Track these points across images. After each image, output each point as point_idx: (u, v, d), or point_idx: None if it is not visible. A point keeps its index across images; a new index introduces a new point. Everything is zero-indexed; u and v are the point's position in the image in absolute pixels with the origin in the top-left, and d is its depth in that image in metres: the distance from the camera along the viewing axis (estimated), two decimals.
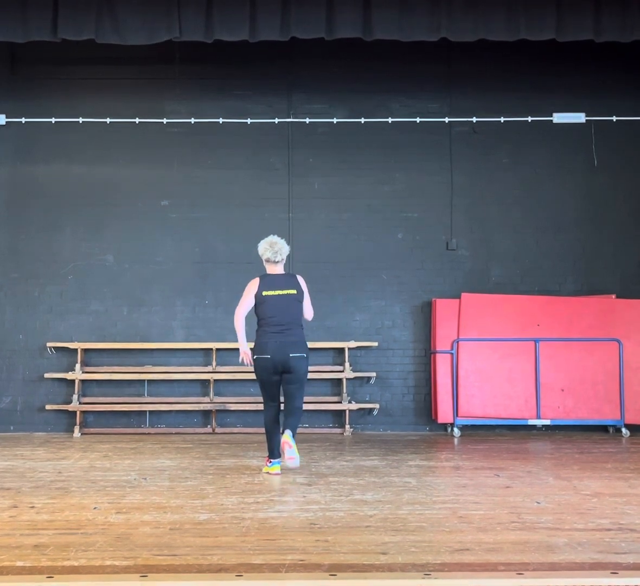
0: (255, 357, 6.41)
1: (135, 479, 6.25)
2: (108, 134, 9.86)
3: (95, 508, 5.14)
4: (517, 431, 9.51)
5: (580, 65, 9.94)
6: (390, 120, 9.90)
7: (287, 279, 6.56)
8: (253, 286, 6.51)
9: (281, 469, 6.38)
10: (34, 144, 9.92)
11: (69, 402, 9.46)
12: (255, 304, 6.48)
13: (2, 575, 3.62)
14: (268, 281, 6.52)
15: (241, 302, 6.52)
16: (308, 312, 6.63)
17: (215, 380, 9.58)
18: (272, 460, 6.43)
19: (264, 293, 6.43)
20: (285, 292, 6.45)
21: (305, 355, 6.40)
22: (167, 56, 9.76)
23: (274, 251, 6.50)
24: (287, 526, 4.68)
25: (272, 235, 6.64)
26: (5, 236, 9.85)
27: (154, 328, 9.81)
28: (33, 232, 9.85)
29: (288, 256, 6.75)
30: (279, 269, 6.60)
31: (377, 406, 9.60)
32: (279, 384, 6.44)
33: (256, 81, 10.02)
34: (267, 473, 6.40)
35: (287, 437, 6.22)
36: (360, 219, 9.94)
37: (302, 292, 6.53)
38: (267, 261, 6.57)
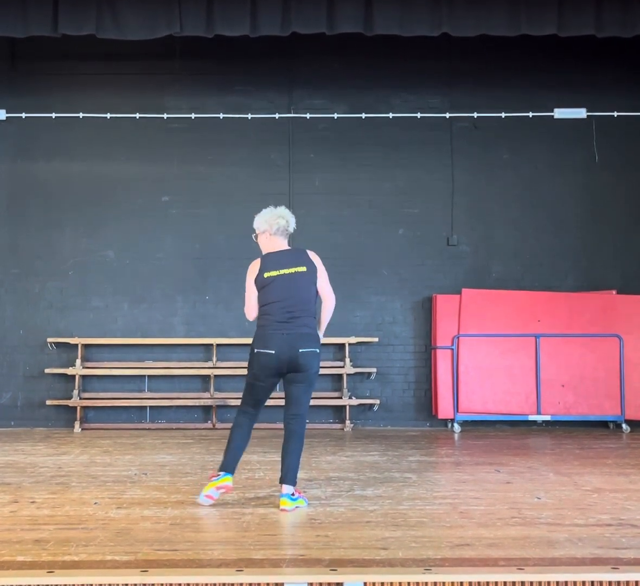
0: (255, 350, 5.15)
1: (135, 474, 6.25)
2: (108, 130, 9.86)
3: (95, 503, 5.15)
4: (518, 426, 9.50)
5: (582, 61, 9.90)
6: (391, 116, 9.90)
7: (294, 255, 5.27)
8: (253, 270, 5.23)
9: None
10: (34, 140, 9.90)
11: (70, 397, 9.46)
12: (257, 290, 5.22)
13: (2, 569, 3.62)
14: (270, 259, 5.23)
15: (247, 299, 5.26)
16: (326, 294, 5.29)
17: (215, 376, 9.58)
18: (220, 473, 5.12)
19: (266, 275, 5.15)
20: (292, 270, 5.17)
21: (317, 350, 5.19)
22: (167, 52, 9.72)
23: (271, 221, 5.27)
24: (287, 521, 4.68)
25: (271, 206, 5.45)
26: (5, 232, 9.84)
27: (154, 324, 9.81)
28: (33, 228, 9.84)
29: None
30: (281, 245, 5.31)
31: (377, 401, 9.60)
32: (272, 388, 5.24)
33: (257, 77, 10.00)
34: (215, 488, 5.07)
35: (286, 503, 4.92)
36: (360, 215, 9.93)
37: (315, 269, 5.25)
38: (264, 233, 5.30)
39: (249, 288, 5.24)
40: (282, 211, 5.35)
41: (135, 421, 9.59)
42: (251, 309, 5.26)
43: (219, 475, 5.10)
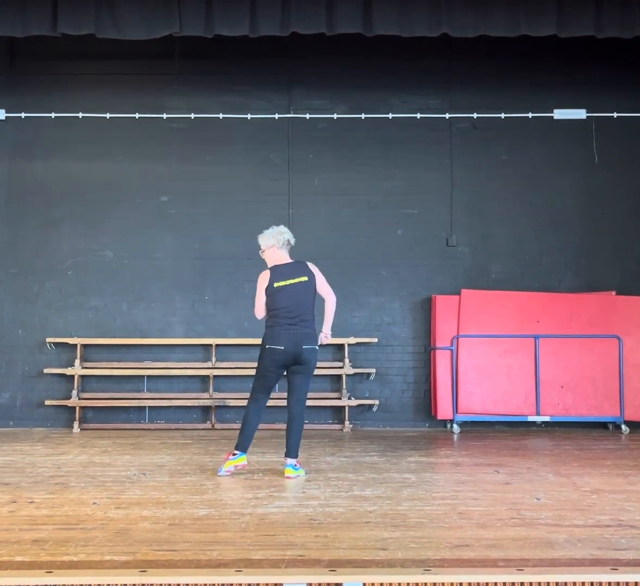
0: (266, 346, 6.13)
1: (134, 474, 6.25)
2: (108, 130, 9.86)
3: (94, 503, 5.14)
4: (517, 427, 9.50)
5: (581, 62, 9.91)
6: (390, 116, 9.90)
7: (297, 267, 6.27)
8: (264, 279, 6.24)
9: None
10: (33, 139, 9.90)
11: (68, 397, 9.45)
12: (267, 296, 6.22)
13: (1, 569, 3.61)
14: (278, 271, 6.23)
15: (257, 302, 6.26)
16: (327, 293, 6.30)
17: (214, 376, 9.57)
18: (237, 452, 6.17)
19: (276, 285, 6.16)
20: (296, 280, 6.18)
21: (316, 347, 6.21)
22: (167, 51, 9.73)
23: (276, 237, 6.29)
24: (286, 521, 4.67)
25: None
26: (4, 231, 9.84)
27: (153, 324, 9.80)
28: (32, 228, 9.83)
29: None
30: (285, 257, 6.32)
31: (376, 402, 9.59)
32: (279, 378, 6.22)
33: (256, 77, 10.00)
34: (234, 466, 6.14)
35: (290, 472, 6.04)
36: (360, 215, 9.93)
37: (314, 278, 6.24)
38: (272, 247, 6.31)
39: (260, 295, 6.25)
40: (283, 228, 6.39)
41: (134, 422, 9.59)
42: (259, 311, 6.28)
43: (236, 454, 6.16)
